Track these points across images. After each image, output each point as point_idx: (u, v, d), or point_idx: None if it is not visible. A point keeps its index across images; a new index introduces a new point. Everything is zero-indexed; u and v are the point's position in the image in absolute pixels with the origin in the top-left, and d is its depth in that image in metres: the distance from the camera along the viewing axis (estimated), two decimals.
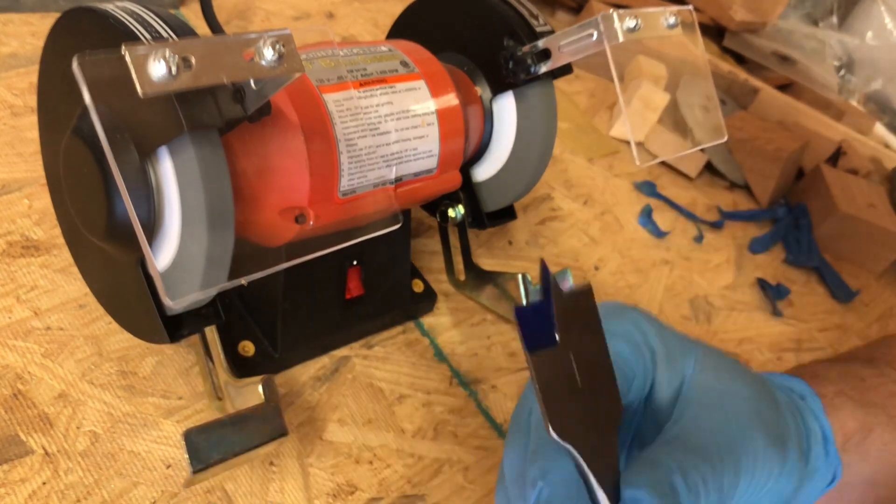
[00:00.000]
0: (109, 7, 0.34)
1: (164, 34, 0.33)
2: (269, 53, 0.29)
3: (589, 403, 0.25)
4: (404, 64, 0.47)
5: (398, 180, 0.47)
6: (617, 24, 0.43)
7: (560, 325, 0.25)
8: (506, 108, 0.53)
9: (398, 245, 0.54)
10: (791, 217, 0.93)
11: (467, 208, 0.56)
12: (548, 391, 0.25)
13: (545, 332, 0.25)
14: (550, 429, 0.25)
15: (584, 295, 0.26)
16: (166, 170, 0.33)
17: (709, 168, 0.96)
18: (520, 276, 0.57)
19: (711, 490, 0.27)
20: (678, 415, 0.30)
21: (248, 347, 0.48)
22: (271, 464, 0.44)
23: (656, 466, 0.27)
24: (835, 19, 1.61)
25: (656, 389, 0.30)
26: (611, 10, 0.43)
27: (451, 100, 0.48)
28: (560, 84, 0.97)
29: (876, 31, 1.55)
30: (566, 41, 0.46)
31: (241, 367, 0.47)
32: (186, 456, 0.36)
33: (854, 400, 0.36)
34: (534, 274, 0.65)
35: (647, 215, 0.82)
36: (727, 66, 1.17)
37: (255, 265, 0.34)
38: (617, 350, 0.28)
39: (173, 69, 0.26)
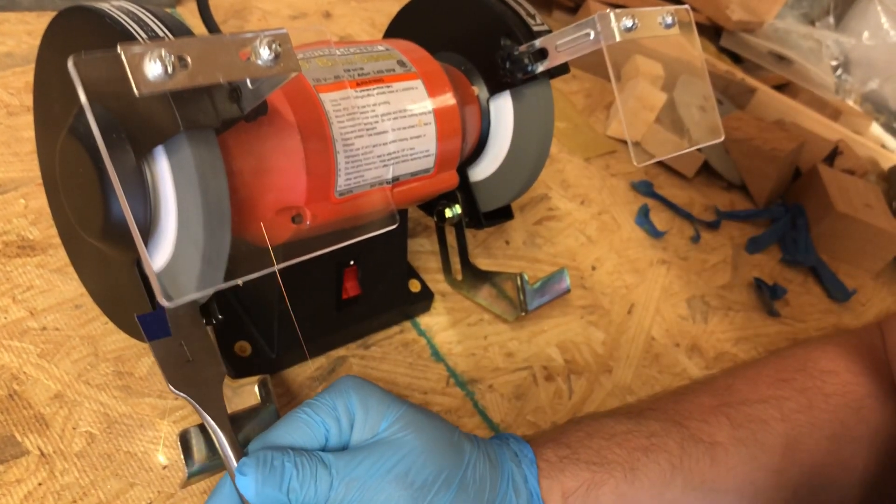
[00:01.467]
0: (105, 6, 0.34)
1: (161, 33, 0.33)
2: (265, 53, 0.29)
3: (197, 370, 0.36)
4: (401, 63, 0.47)
5: (395, 180, 0.46)
6: (614, 23, 0.43)
7: (172, 323, 0.36)
8: (503, 108, 0.53)
9: (395, 245, 0.53)
10: (788, 217, 0.93)
11: (464, 208, 0.56)
12: (165, 363, 0.36)
13: (162, 328, 0.36)
14: (169, 385, 0.35)
15: (190, 304, 0.37)
16: (162, 169, 0.33)
17: (706, 168, 0.96)
18: (517, 276, 0.57)
19: (314, 490, 0.35)
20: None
21: (244, 347, 0.48)
22: None
23: (286, 451, 0.35)
24: (831, 19, 1.61)
25: (353, 440, 0.38)
26: (608, 10, 0.43)
27: (448, 99, 0.48)
28: (557, 83, 0.97)
29: (872, 31, 1.55)
30: (563, 41, 0.46)
31: (237, 368, 0.47)
32: (182, 457, 0.36)
33: (582, 460, 0.42)
34: (531, 274, 0.65)
35: (644, 215, 0.82)
36: (724, 66, 1.17)
37: (252, 265, 0.34)
38: (320, 418, 0.37)
39: (169, 68, 0.26)
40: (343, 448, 0.38)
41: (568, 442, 0.44)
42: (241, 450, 0.36)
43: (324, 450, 0.37)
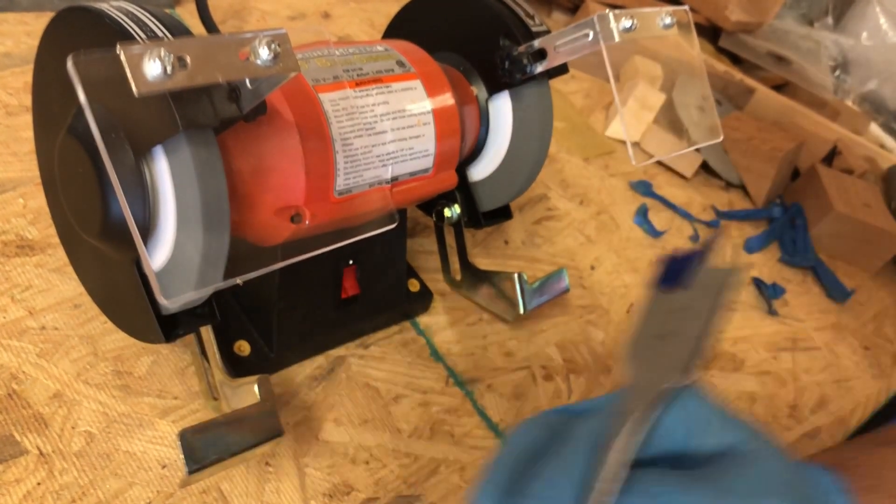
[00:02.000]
0: (104, 6, 0.34)
1: (160, 33, 0.33)
2: (264, 53, 0.29)
3: (670, 349, 0.29)
4: (400, 64, 0.47)
5: (394, 180, 0.47)
6: (613, 24, 0.43)
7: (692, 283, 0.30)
8: (502, 108, 0.53)
9: (394, 244, 0.53)
10: (786, 217, 0.93)
11: (463, 208, 0.56)
12: (646, 325, 0.30)
13: (681, 279, 0.30)
14: (628, 350, 0.29)
15: (733, 274, 0.30)
16: (161, 169, 0.33)
17: (704, 168, 0.96)
18: (515, 276, 0.57)
19: None
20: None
21: (243, 347, 0.48)
22: (267, 464, 0.44)
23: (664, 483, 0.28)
24: (830, 20, 1.61)
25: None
26: (607, 11, 0.43)
27: (447, 99, 0.48)
28: (556, 84, 0.97)
29: (871, 32, 1.55)
30: (562, 41, 0.46)
31: (236, 367, 0.47)
32: (182, 456, 0.36)
33: (888, 494, 0.35)
34: (530, 273, 0.65)
35: (642, 215, 0.82)
36: (723, 67, 1.17)
37: (251, 265, 0.34)
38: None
39: (168, 68, 0.26)
40: None
41: (867, 471, 0.36)
42: None
43: None
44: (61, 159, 0.36)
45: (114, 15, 0.33)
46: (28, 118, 0.56)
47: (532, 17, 0.51)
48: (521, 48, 0.49)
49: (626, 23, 0.43)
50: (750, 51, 1.32)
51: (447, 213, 0.56)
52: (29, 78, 0.59)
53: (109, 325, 0.45)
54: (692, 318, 0.29)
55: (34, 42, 0.52)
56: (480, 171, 0.56)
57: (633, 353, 0.29)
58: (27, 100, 0.58)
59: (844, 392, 0.73)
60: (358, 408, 0.49)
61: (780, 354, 0.73)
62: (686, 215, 0.86)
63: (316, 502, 0.43)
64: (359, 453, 0.47)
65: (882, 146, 1.30)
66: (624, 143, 0.94)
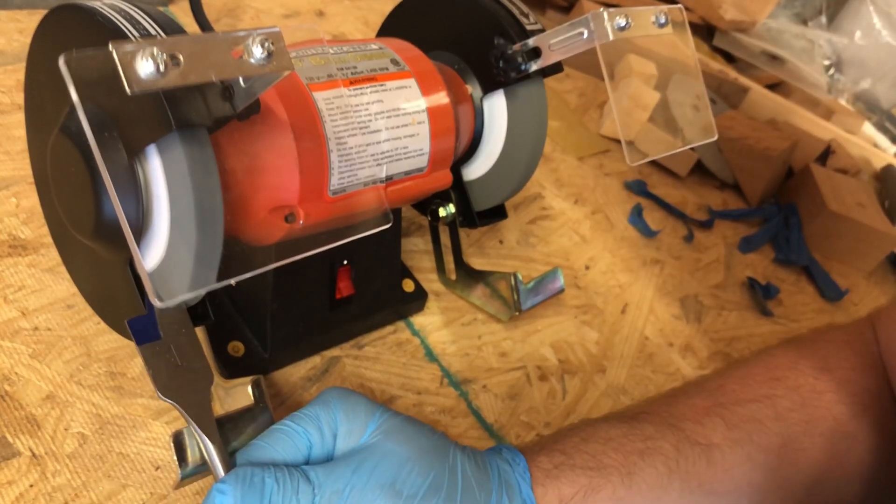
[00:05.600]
0: (97, 4, 0.34)
1: (153, 31, 0.33)
2: (258, 51, 0.29)
3: (186, 375, 0.36)
4: (395, 62, 0.47)
5: (389, 179, 0.46)
6: (607, 22, 0.43)
7: (162, 327, 0.36)
8: (496, 107, 0.53)
9: (389, 244, 0.53)
10: (781, 216, 0.93)
11: (458, 207, 0.56)
12: (154, 368, 0.36)
13: (152, 332, 0.36)
14: (157, 392, 0.35)
15: (179, 307, 0.38)
16: (155, 168, 0.33)
17: (699, 167, 0.96)
18: (510, 276, 0.57)
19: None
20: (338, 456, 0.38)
21: (237, 348, 0.48)
22: None
23: (268, 467, 0.35)
24: (824, 19, 1.62)
25: (337, 450, 0.38)
26: (601, 9, 0.43)
27: (442, 98, 0.48)
28: (550, 82, 0.97)
29: (864, 31, 1.56)
30: (556, 39, 0.46)
31: (230, 368, 0.47)
32: (175, 458, 0.36)
33: (578, 466, 0.42)
34: (524, 273, 0.65)
35: (637, 214, 0.82)
36: (717, 65, 1.17)
37: (245, 265, 0.34)
38: (302, 428, 0.37)
39: (161, 67, 0.26)
40: (328, 459, 0.38)
41: (563, 448, 0.43)
42: (228, 457, 0.36)
43: (308, 461, 0.37)
44: (54, 158, 0.36)
45: (106, 13, 0.33)
46: (20, 116, 0.56)
47: (526, 16, 0.50)
48: (516, 47, 0.49)
49: (621, 21, 0.43)
50: (744, 50, 1.33)
51: (442, 212, 0.56)
52: (21, 76, 0.59)
53: (103, 325, 0.45)
54: (185, 348, 0.37)
55: (26, 40, 0.51)
56: (475, 170, 0.56)
57: (164, 391, 0.36)
58: (20, 98, 0.57)
59: None
60: None
61: None
62: (681, 215, 0.86)
63: None
64: None
65: (876, 145, 1.31)
66: (618, 141, 0.94)
